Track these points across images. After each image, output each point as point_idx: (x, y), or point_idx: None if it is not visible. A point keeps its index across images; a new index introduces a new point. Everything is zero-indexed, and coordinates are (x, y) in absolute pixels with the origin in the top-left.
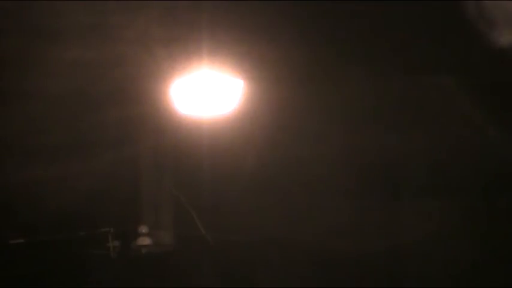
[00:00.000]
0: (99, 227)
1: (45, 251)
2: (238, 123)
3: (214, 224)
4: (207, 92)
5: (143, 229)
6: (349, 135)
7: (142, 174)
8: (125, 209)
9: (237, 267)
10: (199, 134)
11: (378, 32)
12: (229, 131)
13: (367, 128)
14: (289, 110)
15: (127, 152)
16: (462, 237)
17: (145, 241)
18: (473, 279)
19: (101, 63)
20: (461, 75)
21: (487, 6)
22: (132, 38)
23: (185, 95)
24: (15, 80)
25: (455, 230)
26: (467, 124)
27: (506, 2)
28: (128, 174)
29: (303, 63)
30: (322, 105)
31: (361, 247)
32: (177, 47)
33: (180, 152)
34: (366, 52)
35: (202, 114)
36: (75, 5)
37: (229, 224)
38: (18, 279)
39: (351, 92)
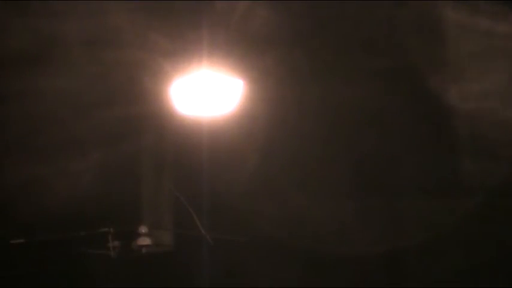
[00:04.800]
0: (99, 227)
1: (45, 251)
2: (238, 123)
3: (214, 224)
4: (207, 92)
5: (143, 229)
6: (349, 136)
7: (142, 174)
8: (125, 209)
9: (237, 267)
10: (199, 134)
11: (377, 32)
12: (229, 131)
13: (367, 128)
14: (288, 110)
15: (127, 152)
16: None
17: (145, 241)
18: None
19: (101, 64)
20: None
21: None
22: (132, 38)
23: (185, 95)
24: (15, 79)
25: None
26: None
27: None
28: (128, 174)
29: (303, 63)
30: (322, 105)
31: (361, 247)
32: (177, 47)
33: (180, 152)
34: (366, 52)
35: (202, 114)
36: (76, 5)
37: (229, 224)
38: (18, 279)
39: (352, 92)
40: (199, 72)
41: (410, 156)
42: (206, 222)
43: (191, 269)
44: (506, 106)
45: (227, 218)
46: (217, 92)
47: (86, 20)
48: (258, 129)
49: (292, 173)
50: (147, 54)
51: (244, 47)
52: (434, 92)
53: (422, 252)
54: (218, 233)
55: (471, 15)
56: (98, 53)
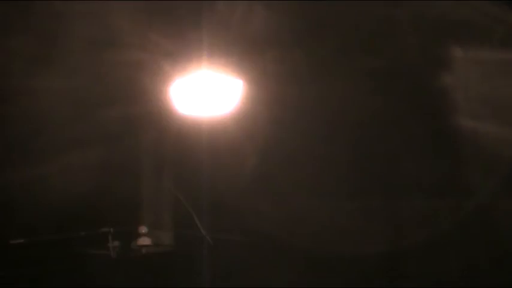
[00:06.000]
0: (99, 227)
1: (45, 251)
2: (237, 123)
3: (214, 224)
4: (207, 92)
5: (143, 229)
6: (349, 136)
7: (142, 174)
8: (125, 209)
9: (237, 267)
10: (199, 134)
11: (376, 32)
12: (228, 131)
13: (367, 128)
14: (288, 110)
15: (127, 152)
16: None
17: (145, 241)
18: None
19: (101, 64)
20: None
21: None
22: (132, 38)
23: (185, 95)
24: (15, 79)
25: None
26: None
27: None
28: (128, 174)
29: (303, 63)
30: (322, 105)
31: (361, 247)
32: (177, 47)
33: (180, 152)
34: (365, 52)
35: (202, 114)
36: (78, 5)
37: (229, 224)
38: (18, 279)
39: (351, 91)
40: (199, 72)
41: (410, 156)
42: (206, 222)
43: (191, 269)
44: (505, 106)
45: (227, 218)
46: (217, 92)
47: (86, 20)
48: (258, 129)
49: (292, 173)
50: (147, 54)
51: (244, 47)
52: (434, 92)
53: (422, 252)
54: (218, 233)
55: (471, 15)
56: (98, 53)
